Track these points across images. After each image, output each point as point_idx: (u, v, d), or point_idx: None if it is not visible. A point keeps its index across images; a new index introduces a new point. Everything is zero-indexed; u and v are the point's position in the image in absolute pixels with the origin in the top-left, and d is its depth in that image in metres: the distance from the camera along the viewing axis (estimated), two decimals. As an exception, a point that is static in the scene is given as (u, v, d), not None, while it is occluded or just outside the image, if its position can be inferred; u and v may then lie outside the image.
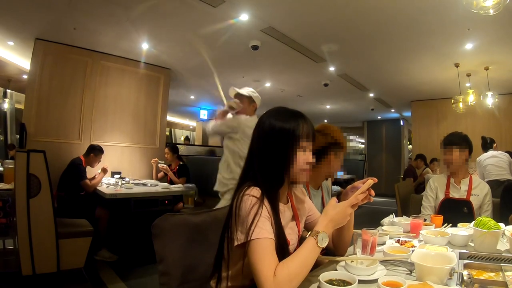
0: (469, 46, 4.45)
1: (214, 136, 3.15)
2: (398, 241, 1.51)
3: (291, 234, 1.13)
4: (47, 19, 3.90)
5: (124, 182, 4.11)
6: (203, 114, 9.22)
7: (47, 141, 4.31)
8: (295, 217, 1.19)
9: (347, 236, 1.27)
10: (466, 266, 1.17)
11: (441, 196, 2.29)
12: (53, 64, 4.51)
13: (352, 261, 1.15)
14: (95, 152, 4.06)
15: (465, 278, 1.03)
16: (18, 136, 6.32)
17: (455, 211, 2.15)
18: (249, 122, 2.59)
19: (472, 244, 1.49)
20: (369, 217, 1.87)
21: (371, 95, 7.68)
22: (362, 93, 7.40)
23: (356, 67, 5.74)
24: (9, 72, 5.87)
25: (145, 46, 4.71)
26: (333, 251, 1.29)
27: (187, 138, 12.37)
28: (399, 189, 3.52)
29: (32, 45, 4.41)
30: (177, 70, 5.87)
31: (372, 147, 11.65)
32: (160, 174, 4.74)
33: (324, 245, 0.98)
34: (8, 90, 7.10)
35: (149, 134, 5.55)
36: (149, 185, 4.10)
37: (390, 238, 1.58)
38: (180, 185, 4.28)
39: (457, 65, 5.22)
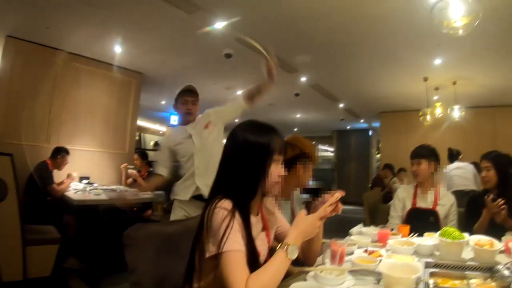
0: (438, 61, 4.66)
1: None
2: (366, 251, 1.55)
3: (262, 245, 1.14)
4: (19, 17, 3.75)
5: (92, 187, 4.01)
6: (174, 120, 9.10)
7: (14, 143, 4.11)
8: (265, 228, 1.21)
9: (316, 247, 1.30)
10: (432, 275, 1.21)
11: (409, 206, 2.34)
12: (23, 63, 4.34)
13: (321, 271, 1.17)
14: (62, 154, 3.94)
15: (431, 286, 1.08)
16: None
17: (422, 220, 2.21)
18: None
19: (438, 253, 1.55)
20: (337, 226, 1.92)
21: (341, 105, 7.83)
22: (332, 103, 7.53)
23: (328, 78, 5.84)
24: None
25: (118, 49, 4.63)
26: (303, 261, 1.31)
27: (156, 144, 12.08)
28: (368, 199, 3.62)
29: (2, 43, 4.23)
30: (149, 74, 5.78)
31: (341, 156, 11.84)
32: (129, 180, 4.65)
33: (294, 256, 1.00)
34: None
35: (119, 138, 5.43)
36: (118, 191, 3.97)
37: (358, 248, 1.62)
38: (149, 192, 4.20)
39: (425, 79, 5.44)
